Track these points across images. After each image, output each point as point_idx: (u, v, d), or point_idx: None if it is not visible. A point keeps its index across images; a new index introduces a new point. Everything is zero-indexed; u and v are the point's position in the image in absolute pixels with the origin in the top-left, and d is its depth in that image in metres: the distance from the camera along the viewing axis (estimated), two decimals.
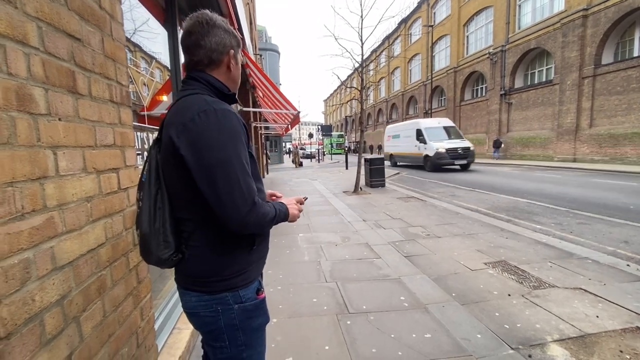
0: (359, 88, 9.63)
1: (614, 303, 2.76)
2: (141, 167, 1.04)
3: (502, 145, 21.25)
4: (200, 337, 2.26)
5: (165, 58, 2.63)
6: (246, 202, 0.89)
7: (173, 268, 1.03)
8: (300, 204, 1.19)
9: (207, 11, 1.02)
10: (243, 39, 4.74)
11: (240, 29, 4.33)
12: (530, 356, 2.14)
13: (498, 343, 2.28)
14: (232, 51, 1.05)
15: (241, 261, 1.02)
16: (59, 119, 0.83)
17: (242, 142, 0.93)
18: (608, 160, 15.43)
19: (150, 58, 2.24)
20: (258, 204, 0.93)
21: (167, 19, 2.66)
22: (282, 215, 1.06)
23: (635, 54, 14.80)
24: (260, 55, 11.11)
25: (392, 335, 2.39)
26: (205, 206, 0.90)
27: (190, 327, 2.16)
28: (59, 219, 0.82)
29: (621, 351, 2.16)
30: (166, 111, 1.03)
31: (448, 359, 2.12)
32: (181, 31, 1.11)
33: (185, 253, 0.99)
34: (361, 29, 9.24)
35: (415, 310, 2.75)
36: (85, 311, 0.91)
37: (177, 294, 2.35)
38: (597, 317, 2.57)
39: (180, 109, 0.93)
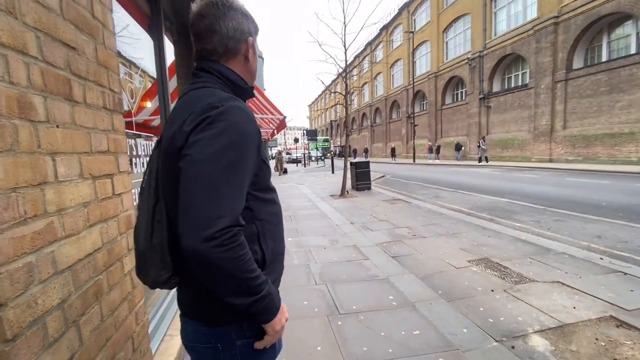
0: (343, 93, 9.77)
1: (589, 294, 2.91)
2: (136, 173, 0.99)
3: (463, 148, 24.01)
4: None
5: (147, 64, 2.63)
6: (207, 225, 0.67)
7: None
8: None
9: None
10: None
11: None
12: (513, 347, 2.24)
13: (483, 336, 2.37)
14: (250, 38, 0.90)
15: None
16: (57, 126, 0.85)
17: (251, 149, 0.78)
18: (581, 160, 16.16)
19: (129, 64, 2.24)
20: (236, 240, 0.70)
21: (152, 26, 2.66)
22: (268, 303, 0.80)
23: (604, 59, 15.64)
24: None
25: (382, 334, 2.45)
26: None
27: None
28: (58, 224, 0.83)
29: (597, 339, 2.29)
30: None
31: (437, 354, 2.19)
32: (165, 37, 1.04)
33: (186, 274, 0.84)
34: (344, 35, 9.41)
35: (404, 309, 2.82)
36: (84, 315, 0.92)
37: (167, 300, 2.33)
38: (574, 308, 2.71)
39: (187, 103, 0.80)
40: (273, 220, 0.91)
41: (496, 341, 2.31)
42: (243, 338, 0.84)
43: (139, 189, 0.89)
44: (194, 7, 0.85)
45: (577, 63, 16.76)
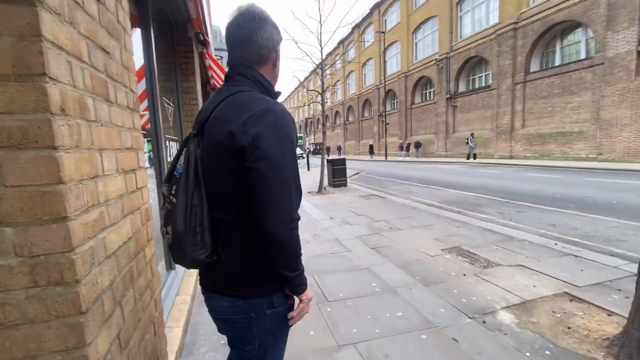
0: (319, 91, 9.93)
1: (546, 275, 3.30)
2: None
3: (422, 145, 26.06)
4: (188, 336, 2.33)
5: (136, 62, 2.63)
6: (291, 215, 0.89)
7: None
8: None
9: (256, 3, 0.97)
10: (207, 41, 4.74)
11: (207, 32, 4.35)
12: (484, 322, 2.52)
13: (458, 314, 2.64)
14: (278, 47, 1.02)
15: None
16: (102, 125, 0.93)
17: (295, 147, 0.93)
18: (538, 156, 17.49)
19: None
20: (297, 228, 0.93)
21: (141, 24, 2.67)
22: (304, 277, 1.02)
23: (557, 64, 16.99)
24: (221, 57, 10.92)
25: (369, 317, 2.65)
26: (247, 207, 0.88)
27: (181, 324, 2.22)
28: (106, 214, 0.91)
29: (553, 311, 2.64)
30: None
31: (419, 331, 2.42)
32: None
33: (222, 255, 0.95)
34: (320, 33, 9.55)
35: (386, 294, 3.05)
36: (125, 297, 1.00)
37: (162, 294, 2.38)
38: (534, 286, 3.06)
39: (240, 105, 0.90)
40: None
41: (469, 318, 2.58)
42: (272, 308, 1.00)
43: (168, 178, 0.96)
44: (231, 17, 0.96)
45: (534, 66, 18.07)
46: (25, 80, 0.67)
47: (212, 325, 1.41)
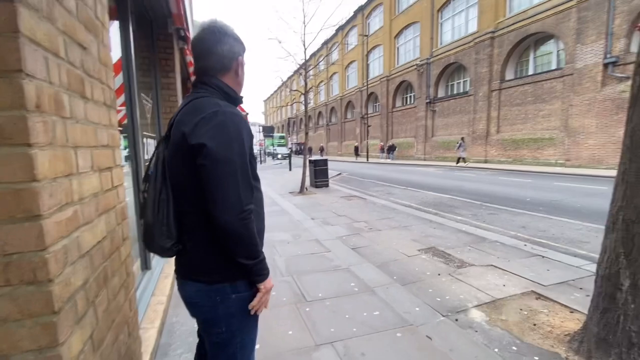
0: (303, 92, 9.95)
1: (516, 274, 3.46)
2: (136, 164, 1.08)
3: (396, 148, 26.93)
4: (162, 339, 2.28)
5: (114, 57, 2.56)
6: (240, 207, 0.96)
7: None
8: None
9: (218, 19, 1.09)
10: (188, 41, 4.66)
11: (188, 28, 4.28)
12: (457, 320, 2.63)
13: (432, 313, 2.73)
14: (240, 57, 1.13)
15: None
16: (77, 122, 0.92)
17: (246, 144, 1.01)
18: (511, 161, 18.24)
19: None
20: (250, 218, 1.00)
21: (118, 17, 2.60)
22: (264, 266, 1.09)
23: (530, 73, 17.80)
24: None
25: (347, 316, 2.70)
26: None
27: (156, 325, 2.18)
28: (80, 212, 0.90)
29: (521, 309, 2.78)
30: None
31: (395, 330, 2.49)
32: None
33: (187, 244, 1.05)
34: (304, 34, 9.58)
35: (364, 293, 3.11)
36: (98, 297, 0.99)
37: (139, 293, 2.33)
38: (504, 285, 3.21)
39: (194, 109, 1.01)
40: (259, 204, 1.17)
41: (443, 316, 2.68)
42: (236, 293, 1.08)
43: (145, 177, 1.09)
44: (196, 32, 1.09)
45: (509, 74, 18.84)
46: (1, 76, 0.66)
47: (188, 326, 1.39)
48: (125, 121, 2.74)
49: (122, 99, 2.68)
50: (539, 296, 2.98)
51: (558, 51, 16.46)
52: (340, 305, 2.87)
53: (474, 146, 20.67)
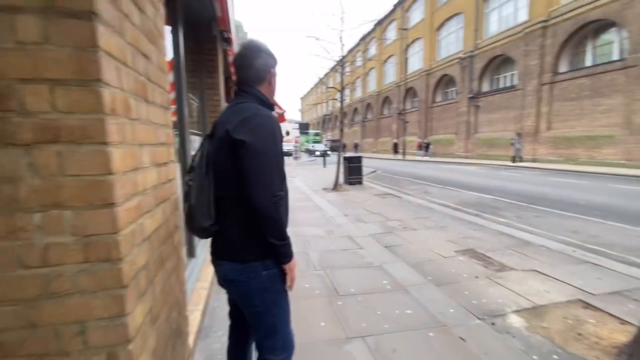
0: (339, 89, 9.96)
1: (561, 281, 3.26)
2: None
3: (431, 146, 26.73)
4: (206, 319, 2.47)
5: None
6: (272, 191, 1.13)
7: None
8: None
9: (254, 39, 1.34)
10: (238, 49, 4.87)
11: (230, 30, 4.49)
12: (493, 324, 2.55)
13: (467, 315, 2.67)
14: (272, 70, 1.34)
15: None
16: (141, 123, 1.05)
17: (278, 141, 1.20)
18: (563, 160, 16.86)
19: None
20: (280, 203, 1.17)
21: (171, 22, 2.80)
22: (290, 250, 1.25)
23: (587, 64, 16.27)
24: None
25: (378, 312, 2.72)
26: (242, 187, 1.13)
27: (200, 308, 2.37)
28: (143, 202, 1.04)
29: (565, 317, 2.62)
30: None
31: (427, 329, 2.47)
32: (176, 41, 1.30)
33: (222, 224, 1.22)
34: (341, 31, 9.57)
35: (397, 292, 3.10)
36: (156, 276, 1.13)
37: (189, 280, 2.54)
38: (548, 292, 3.04)
39: (237, 112, 1.21)
40: (285, 196, 1.30)
41: (479, 319, 2.61)
42: (266, 269, 1.24)
43: (190, 168, 1.27)
44: (237, 48, 1.32)
45: (563, 67, 17.36)
46: (83, 85, 0.79)
47: (227, 311, 1.52)
48: (175, 118, 2.97)
49: (172, 95, 2.91)
50: (587, 305, 2.79)
51: (621, 40, 14.85)
52: (372, 302, 2.90)
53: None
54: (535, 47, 18.05)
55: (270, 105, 1.34)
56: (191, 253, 3.06)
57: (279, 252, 1.21)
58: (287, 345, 1.35)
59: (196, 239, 3.13)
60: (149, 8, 1.19)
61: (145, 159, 1.08)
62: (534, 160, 18.38)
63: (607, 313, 2.65)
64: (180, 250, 1.51)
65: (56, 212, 0.80)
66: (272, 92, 1.38)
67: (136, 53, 1.04)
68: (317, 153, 31.25)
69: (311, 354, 2.19)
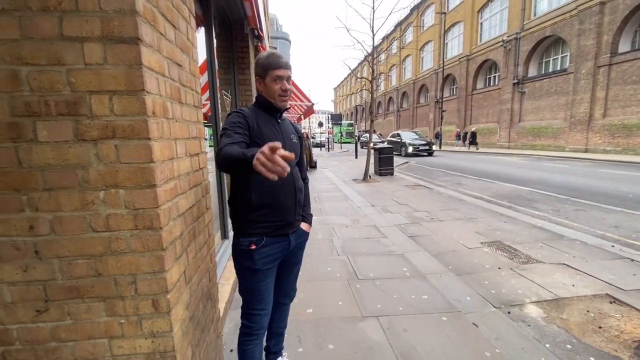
0: (370, 79, 9.91)
1: (591, 275, 3.16)
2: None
3: (469, 135, 24.19)
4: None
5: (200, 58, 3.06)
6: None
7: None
8: (272, 150, 0.95)
9: (269, 50, 1.55)
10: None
11: (261, 28, 4.72)
12: (509, 312, 2.59)
13: (484, 303, 2.73)
14: (256, 77, 1.55)
15: (244, 216, 1.48)
16: (176, 121, 1.29)
17: (228, 123, 1.41)
18: (620, 150, 15.40)
19: None
20: (222, 150, 1.23)
21: (204, 23, 3.07)
22: (246, 157, 1.07)
23: None
24: (275, 48, 11.36)
25: (395, 296, 2.86)
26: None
27: (231, 282, 2.67)
28: (178, 185, 1.29)
29: (588, 311, 2.59)
30: None
31: (440, 314, 2.58)
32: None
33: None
34: (372, 20, 9.46)
35: (415, 279, 3.21)
36: (189, 246, 1.39)
37: (220, 252, 2.86)
38: (573, 285, 2.98)
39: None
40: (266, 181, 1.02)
41: (495, 307, 2.66)
42: (240, 245, 1.52)
43: None
44: (270, 43, 1.43)
45: (624, 47, 15.68)
46: (132, 94, 1.03)
47: None
48: (210, 114, 3.27)
49: (206, 94, 3.21)
50: (614, 300, 2.71)
51: None
52: (389, 286, 3.05)
53: (571, 133, 17.95)
54: (592, 26, 16.44)
55: (263, 102, 1.55)
56: (225, 235, 3.39)
57: (244, 169, 1.09)
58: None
59: (229, 223, 3.46)
60: (182, 23, 1.42)
61: (180, 150, 1.32)
62: (585, 150, 16.97)
63: (635, 309, 2.57)
64: (211, 228, 1.77)
65: (114, 190, 1.06)
66: (267, 92, 1.52)
67: (172, 64, 1.27)
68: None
69: (327, 328, 2.40)
